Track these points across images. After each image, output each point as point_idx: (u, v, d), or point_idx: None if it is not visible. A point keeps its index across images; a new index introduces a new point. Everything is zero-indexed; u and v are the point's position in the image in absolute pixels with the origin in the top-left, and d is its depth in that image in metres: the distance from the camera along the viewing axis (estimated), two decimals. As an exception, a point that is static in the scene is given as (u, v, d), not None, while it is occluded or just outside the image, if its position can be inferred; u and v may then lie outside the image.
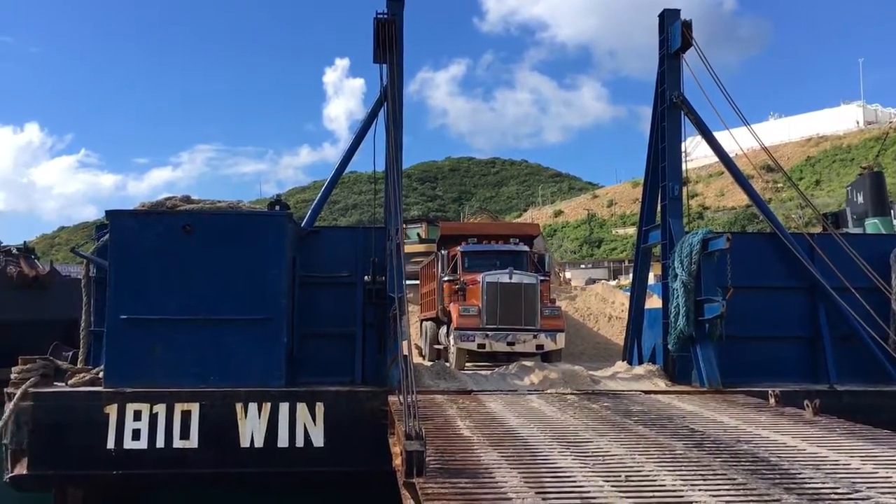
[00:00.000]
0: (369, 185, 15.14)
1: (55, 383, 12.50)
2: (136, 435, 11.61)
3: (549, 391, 12.85)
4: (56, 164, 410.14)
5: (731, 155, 15.68)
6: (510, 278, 16.24)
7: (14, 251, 29.86)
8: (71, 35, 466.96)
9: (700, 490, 6.13)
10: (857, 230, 29.20)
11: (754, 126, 14.94)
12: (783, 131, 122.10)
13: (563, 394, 12.61)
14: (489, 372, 15.08)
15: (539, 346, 16.03)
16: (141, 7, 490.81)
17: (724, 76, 14.41)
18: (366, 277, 13.50)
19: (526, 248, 18.77)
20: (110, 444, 11.55)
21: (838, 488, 6.26)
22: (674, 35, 14.87)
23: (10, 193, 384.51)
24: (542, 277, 17.18)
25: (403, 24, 14.25)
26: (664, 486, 6.31)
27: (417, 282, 23.97)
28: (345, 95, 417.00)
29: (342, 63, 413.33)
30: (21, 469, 11.69)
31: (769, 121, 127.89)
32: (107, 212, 13.13)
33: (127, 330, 12.21)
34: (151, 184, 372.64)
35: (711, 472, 6.77)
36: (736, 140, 14.80)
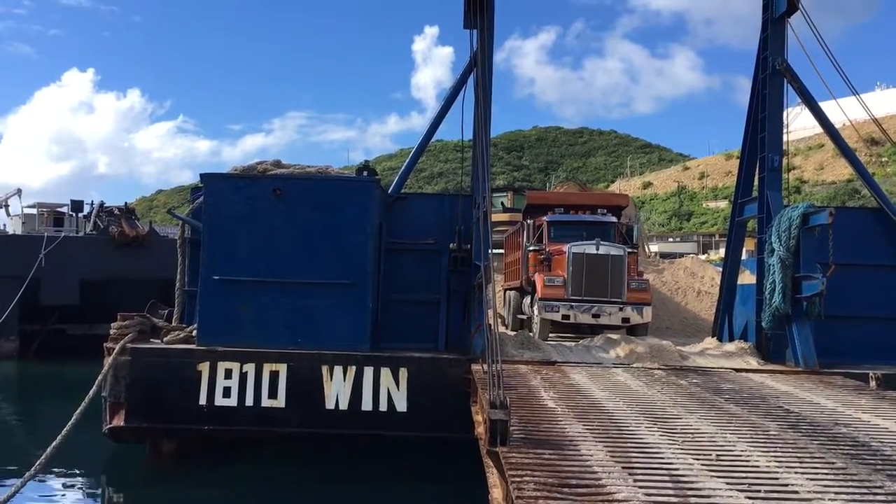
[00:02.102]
0: (455, 153, 15.13)
1: (151, 340, 12.98)
2: (226, 392, 11.99)
3: (635, 365, 12.60)
4: (155, 129, 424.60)
5: (834, 126, 14.90)
6: (597, 249, 15.95)
7: (116, 211, 31.18)
8: (172, 5, 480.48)
9: (796, 473, 5.87)
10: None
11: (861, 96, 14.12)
12: (890, 102, 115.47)
13: (650, 368, 12.34)
14: (573, 343, 14.90)
15: (625, 319, 15.73)
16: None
17: (828, 44, 13.64)
18: (451, 245, 13.48)
19: (614, 219, 18.41)
20: (202, 401, 11.96)
21: (947, 478, 5.90)
22: (779, -2, 14.16)
23: (113, 157, 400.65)
24: (629, 249, 16.81)
25: (494, -11, 14.00)
26: (758, 466, 6.07)
27: (501, 251, 23.87)
28: (433, 64, 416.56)
29: (431, 31, 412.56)
30: (118, 421, 12.22)
31: (875, 91, 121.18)
32: (201, 175, 13.44)
33: (219, 290, 12.54)
34: (244, 149, 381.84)
35: (808, 455, 6.48)
36: (843, 110, 14.04)
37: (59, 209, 35.66)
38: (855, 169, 15.13)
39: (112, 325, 12.83)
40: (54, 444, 10.35)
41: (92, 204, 32.72)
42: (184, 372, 12.05)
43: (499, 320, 20.01)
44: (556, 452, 6.31)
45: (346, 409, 12.00)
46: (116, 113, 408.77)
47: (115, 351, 12.18)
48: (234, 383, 12.00)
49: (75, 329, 28.52)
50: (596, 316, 15.70)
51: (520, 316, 19.06)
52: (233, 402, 11.97)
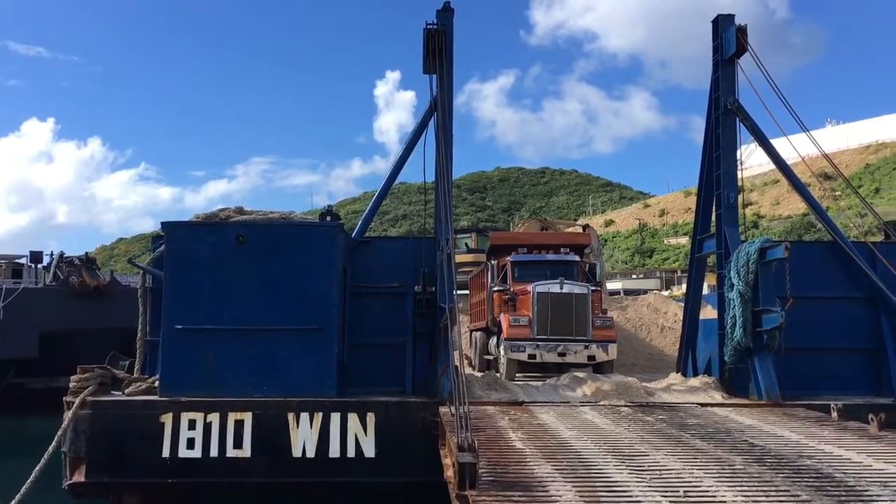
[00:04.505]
0: (419, 195, 15.17)
1: (112, 392, 12.73)
2: (190, 444, 11.76)
3: (602, 403, 12.65)
4: (116, 177, 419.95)
5: (787, 162, 15.31)
6: (561, 288, 16.07)
7: (76, 261, 30.67)
8: (133, 55, 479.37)
9: (762, 507, 5.94)
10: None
11: (811, 133, 14.55)
12: (841, 138, 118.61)
13: (617, 406, 12.40)
14: (540, 383, 14.91)
15: (591, 357, 15.82)
16: (199, 28, 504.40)
17: (778, 83, 14.11)
18: (416, 288, 13.49)
19: (577, 257, 18.58)
20: (165, 453, 11.71)
21: (908, 507, 6.00)
22: (728, 40, 14.63)
23: (73, 206, 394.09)
24: (593, 287, 16.97)
25: (453, 35, 14.27)
26: (724, 502, 6.13)
27: (467, 292, 23.91)
28: (395, 108, 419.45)
29: (393, 76, 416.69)
30: (79, 476, 11.92)
31: (826, 128, 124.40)
32: (162, 223, 13.35)
33: (181, 340, 12.38)
34: (208, 196, 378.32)
35: (774, 489, 6.56)
36: (794, 147, 14.42)
37: (17, 261, 35.05)
38: (808, 203, 15.54)
39: (72, 378, 12.57)
40: (14, 501, 10.06)
41: (52, 255, 32.22)
42: (146, 424, 11.80)
43: (465, 361, 20.00)
44: (525, 494, 6.30)
45: (313, 456, 11.83)
46: (77, 162, 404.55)
47: (75, 405, 11.91)
48: (198, 434, 11.78)
49: (34, 383, 27.78)
50: (562, 354, 15.76)
51: (486, 357, 19.05)
52: (197, 453, 11.73)
